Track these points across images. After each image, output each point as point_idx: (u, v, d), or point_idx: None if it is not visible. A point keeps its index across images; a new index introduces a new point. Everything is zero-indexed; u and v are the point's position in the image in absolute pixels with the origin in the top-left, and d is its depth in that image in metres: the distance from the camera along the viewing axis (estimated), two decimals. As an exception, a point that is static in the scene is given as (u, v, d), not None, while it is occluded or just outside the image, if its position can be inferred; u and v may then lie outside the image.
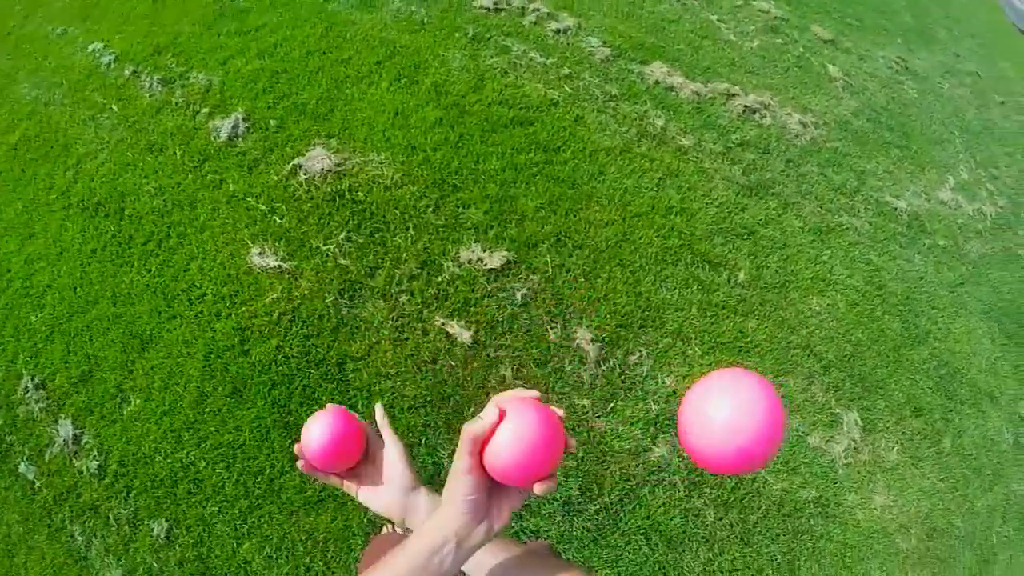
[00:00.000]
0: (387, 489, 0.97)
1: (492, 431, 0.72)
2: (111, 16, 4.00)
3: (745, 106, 3.94)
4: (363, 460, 1.01)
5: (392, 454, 0.99)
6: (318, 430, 0.97)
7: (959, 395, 3.36)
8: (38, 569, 2.55)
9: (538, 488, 0.73)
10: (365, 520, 2.45)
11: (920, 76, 5.10)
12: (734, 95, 3.99)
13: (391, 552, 0.77)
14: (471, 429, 0.72)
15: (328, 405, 1.02)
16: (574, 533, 2.53)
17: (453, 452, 2.18)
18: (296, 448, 0.99)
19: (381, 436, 1.03)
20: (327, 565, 2.38)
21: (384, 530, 2.42)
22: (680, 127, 3.73)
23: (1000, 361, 3.62)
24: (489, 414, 0.72)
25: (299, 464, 0.98)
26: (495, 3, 4.06)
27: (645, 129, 3.64)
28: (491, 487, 0.77)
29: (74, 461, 2.63)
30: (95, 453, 2.61)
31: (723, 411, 0.78)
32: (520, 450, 0.72)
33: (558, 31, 4.01)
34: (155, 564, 2.44)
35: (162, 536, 2.46)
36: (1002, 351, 3.66)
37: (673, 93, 3.89)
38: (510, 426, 0.72)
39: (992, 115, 5.26)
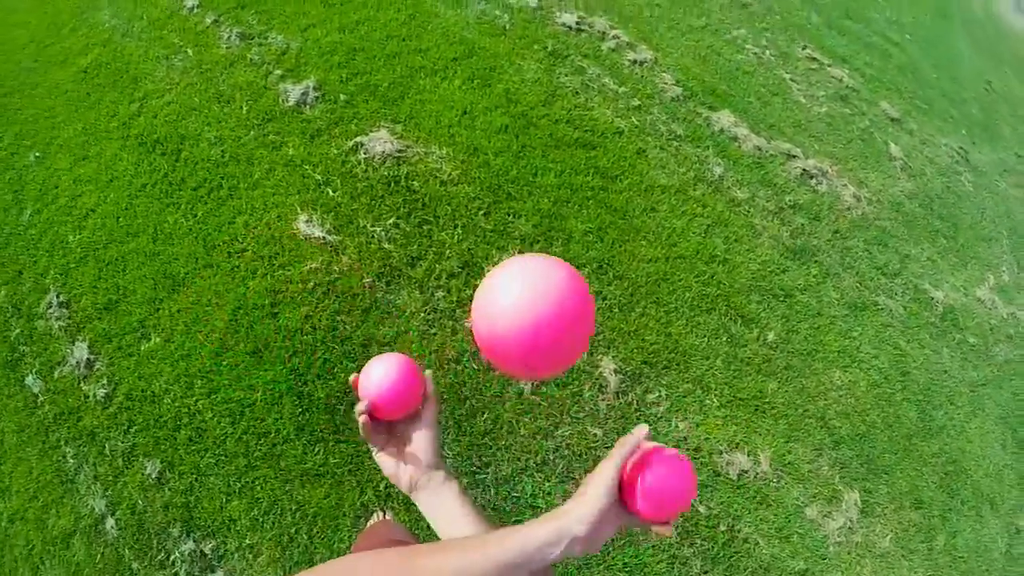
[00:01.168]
0: (407, 466, 0.96)
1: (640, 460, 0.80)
2: (201, -37, 4.05)
3: (803, 169, 3.94)
4: (407, 418, 0.99)
5: (427, 424, 0.98)
6: (391, 371, 0.94)
7: (961, 495, 3.34)
8: (23, 482, 2.58)
9: (658, 529, 0.78)
10: (358, 503, 2.46)
11: (979, 170, 5.08)
12: (794, 156, 3.99)
13: (500, 531, 0.78)
14: (630, 440, 0.82)
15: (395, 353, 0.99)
16: (561, 560, 2.53)
17: (459, 454, 2.19)
18: (352, 380, 0.98)
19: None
20: (311, 539, 2.39)
21: (375, 518, 2.43)
22: (737, 178, 3.74)
23: (1007, 469, 3.60)
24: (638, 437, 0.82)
25: (359, 408, 0.93)
26: (577, 23, 4.09)
27: (703, 174, 3.65)
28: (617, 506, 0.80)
29: (82, 384, 2.66)
30: (105, 381, 2.65)
31: (512, 292, 0.77)
32: (667, 494, 0.76)
33: (635, 62, 4.03)
34: (140, 502, 2.46)
35: (153, 476, 2.48)
36: (1012, 459, 3.64)
37: (736, 143, 3.90)
38: (662, 470, 0.77)
39: (1044, 220, 5.25)
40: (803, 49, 5.05)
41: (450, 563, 0.72)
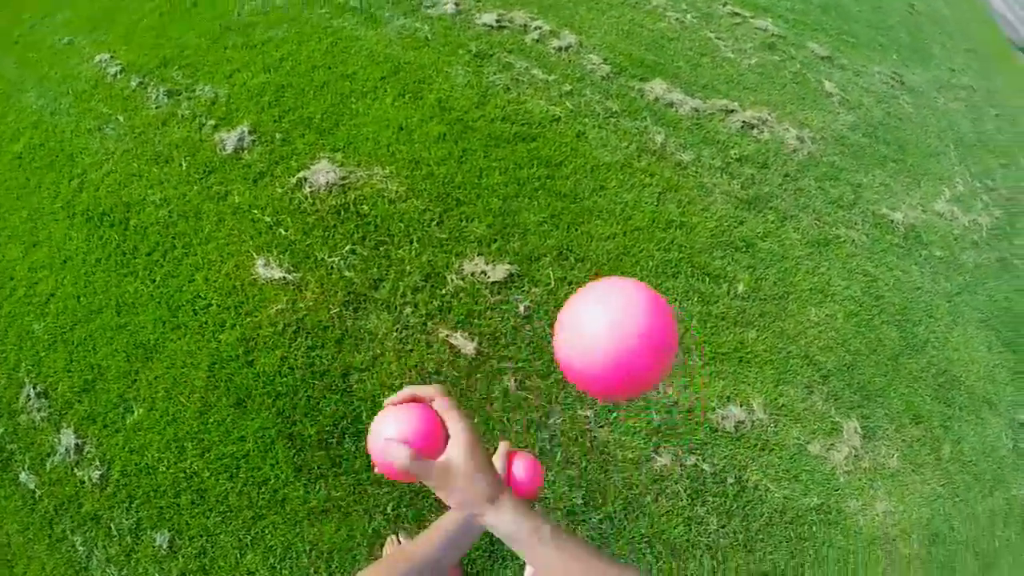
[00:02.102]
0: (470, 487, 0.89)
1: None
2: (118, 27, 4.04)
3: (743, 122, 3.98)
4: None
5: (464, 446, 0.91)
6: (414, 419, 0.91)
7: (958, 402, 3.39)
8: (38, 580, 2.55)
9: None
10: (369, 530, 2.46)
11: (915, 91, 5.16)
12: (732, 111, 4.04)
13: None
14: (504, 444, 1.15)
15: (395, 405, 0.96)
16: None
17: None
18: (396, 439, 0.89)
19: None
20: (331, 575, 2.39)
21: (389, 543, 2.43)
22: (679, 142, 3.78)
23: (998, 368, 3.65)
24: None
25: (402, 455, 0.86)
26: (498, 20, 4.11)
27: (645, 145, 3.69)
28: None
29: (76, 471, 2.63)
30: (97, 463, 2.61)
31: (598, 321, 0.76)
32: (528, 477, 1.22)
33: (560, 48, 4.06)
34: (157, 575, 2.43)
35: (164, 546, 2.45)
36: (999, 358, 3.70)
37: (673, 109, 3.94)
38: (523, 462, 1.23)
39: (987, 127, 5.32)
40: (724, 7, 5.10)
41: (409, 552, 0.85)
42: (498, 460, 1.10)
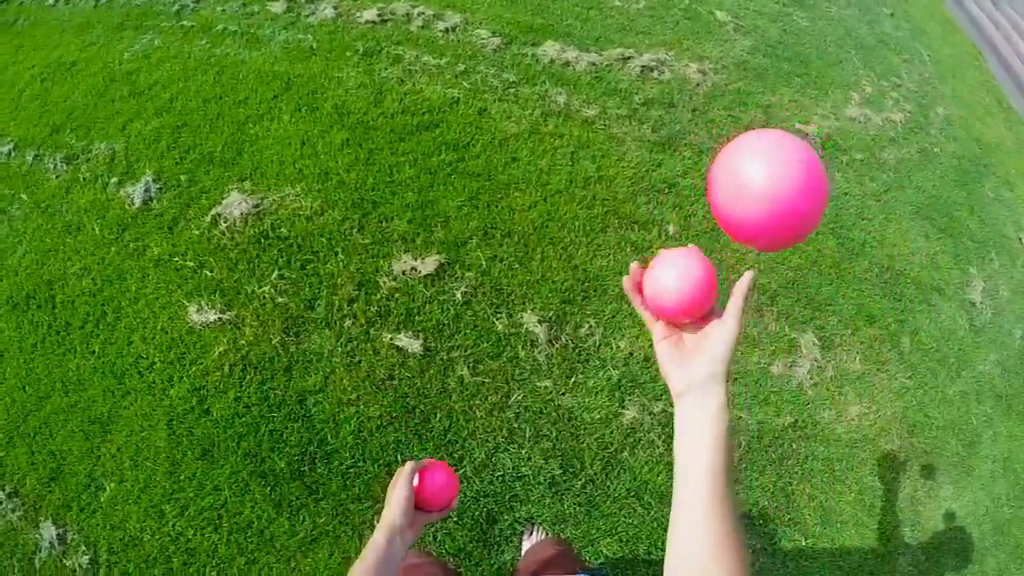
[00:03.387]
0: (694, 356, 0.85)
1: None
2: (1, 105, 3.92)
3: (642, 66, 4.00)
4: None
5: (729, 327, 0.84)
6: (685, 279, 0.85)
7: (907, 295, 3.47)
8: None
9: (436, 516, 1.33)
10: (361, 549, 2.44)
11: (807, 4, 5.22)
12: (629, 58, 4.05)
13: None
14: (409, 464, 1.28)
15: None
16: (567, 510, 2.57)
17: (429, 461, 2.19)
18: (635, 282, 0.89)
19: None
20: (334, 601, 2.39)
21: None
22: (582, 99, 3.78)
23: (939, 254, 3.74)
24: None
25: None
26: (380, 15, 4.06)
27: (549, 108, 3.69)
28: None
29: (64, 561, 2.57)
30: (83, 548, 2.56)
31: (759, 174, 0.75)
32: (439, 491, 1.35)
33: (446, 30, 4.03)
34: (170, 645, 2.42)
35: (168, 613, 2.43)
36: (939, 245, 3.79)
37: (570, 68, 3.94)
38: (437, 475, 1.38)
39: (884, 28, 5.41)
40: (603, -44, 5.11)
41: None
42: (399, 495, 1.21)
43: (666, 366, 0.85)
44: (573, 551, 1.73)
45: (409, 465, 1.26)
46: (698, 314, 0.86)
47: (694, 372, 0.81)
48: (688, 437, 0.80)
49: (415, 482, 1.28)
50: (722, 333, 0.83)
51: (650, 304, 0.88)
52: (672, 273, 0.86)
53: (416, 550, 2.07)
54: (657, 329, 0.88)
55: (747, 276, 0.86)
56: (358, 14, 4.12)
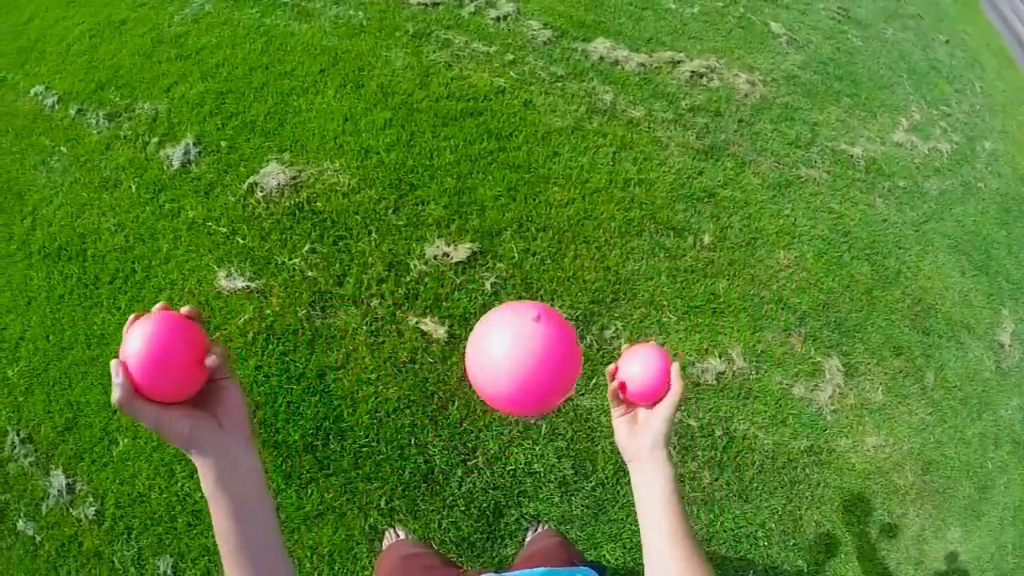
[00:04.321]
0: (639, 430, 1.01)
1: None
2: (49, 58, 3.94)
3: (692, 72, 3.96)
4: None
5: (666, 405, 1.00)
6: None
7: (936, 330, 3.41)
8: (49, 625, 2.53)
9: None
10: (366, 527, 2.45)
11: (863, 24, 5.14)
12: (680, 62, 4.01)
13: None
14: None
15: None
16: (574, 512, 2.55)
17: (443, 447, 2.18)
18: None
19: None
20: (335, 576, 2.39)
21: (387, 537, 2.43)
22: (629, 99, 3.75)
23: (972, 292, 3.68)
24: None
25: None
26: (432, -2, 4.06)
27: (594, 105, 3.66)
28: None
29: (71, 510, 2.60)
30: (91, 499, 2.59)
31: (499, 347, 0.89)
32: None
33: (498, 19, 4.00)
34: (166, 602, 2.43)
35: (169, 572, 2.45)
36: (973, 282, 3.72)
37: (619, 67, 3.90)
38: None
39: (938, 54, 5.33)
40: (662, -41, 5.06)
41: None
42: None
43: (622, 440, 1.03)
44: (571, 543, 1.72)
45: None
46: (657, 398, 1.00)
47: (642, 442, 0.98)
48: (642, 492, 0.97)
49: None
50: (662, 411, 0.99)
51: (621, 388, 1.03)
52: (638, 367, 1.01)
53: (415, 540, 2.07)
54: (616, 407, 1.05)
55: (676, 364, 1.03)
56: (410, -5, 4.11)
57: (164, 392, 0.76)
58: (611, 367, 1.04)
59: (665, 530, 0.91)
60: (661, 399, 1.00)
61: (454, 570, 1.55)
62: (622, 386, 1.01)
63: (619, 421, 1.04)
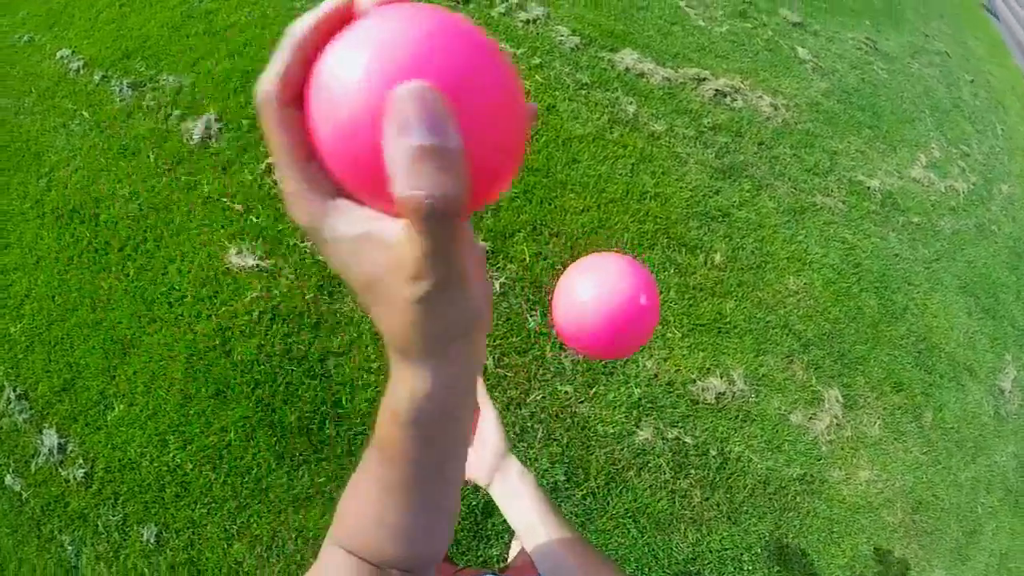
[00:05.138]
0: (480, 452, 0.96)
1: None
2: (78, 22, 3.96)
3: (716, 90, 3.96)
4: None
5: (489, 417, 0.97)
6: None
7: (938, 369, 3.41)
8: (29, 582, 2.53)
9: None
10: (353, 515, 2.45)
11: (889, 56, 5.15)
12: (705, 80, 4.01)
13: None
14: None
15: None
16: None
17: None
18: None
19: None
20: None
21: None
22: (652, 113, 3.75)
23: (977, 334, 3.68)
24: None
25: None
26: (464, -5, 4.06)
27: (617, 116, 3.66)
28: None
29: (60, 470, 2.60)
30: (81, 461, 2.59)
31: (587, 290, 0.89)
32: None
33: (527, 21, 4.01)
34: (146, 570, 2.42)
35: (152, 541, 2.44)
36: (979, 324, 3.72)
37: (644, 79, 3.91)
38: None
39: (962, 93, 5.33)
40: (695, -24, 5.07)
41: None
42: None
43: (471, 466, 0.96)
44: None
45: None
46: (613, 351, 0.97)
47: (490, 462, 0.94)
48: (510, 501, 0.93)
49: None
50: (494, 427, 0.95)
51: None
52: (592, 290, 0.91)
53: None
54: None
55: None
56: (442, -9, 4.12)
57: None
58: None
59: (551, 524, 0.89)
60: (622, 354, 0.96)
61: (450, 566, 1.54)
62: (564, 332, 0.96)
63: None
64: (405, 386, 0.43)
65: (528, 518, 0.91)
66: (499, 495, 0.94)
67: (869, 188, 3.93)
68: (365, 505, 0.54)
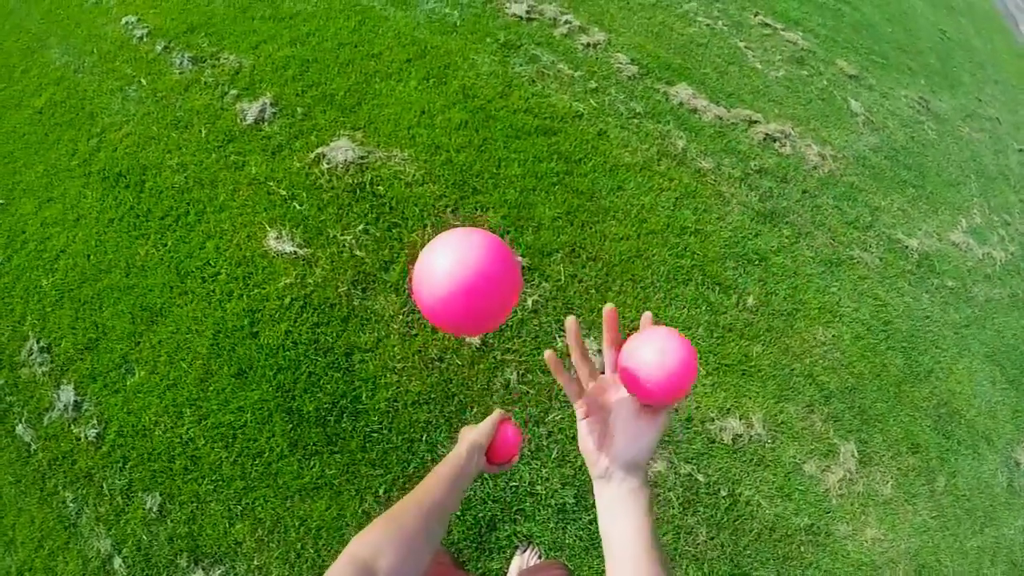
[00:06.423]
0: (609, 443, 0.81)
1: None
2: (145, -8, 4.03)
3: (766, 134, 3.96)
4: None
5: (660, 419, 0.80)
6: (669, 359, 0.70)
7: (956, 435, 3.37)
8: (26, 532, 2.55)
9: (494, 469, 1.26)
10: (359, 511, 2.46)
11: (941, 118, 5.12)
12: (756, 122, 4.01)
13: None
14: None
15: None
16: (567, 540, 2.54)
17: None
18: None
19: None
20: (318, 553, 2.38)
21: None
22: (700, 149, 3.76)
23: (999, 404, 3.64)
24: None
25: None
26: (528, 12, 4.09)
27: (666, 148, 3.67)
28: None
29: (72, 427, 2.64)
30: (94, 421, 2.62)
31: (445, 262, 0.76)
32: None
33: (588, 45, 4.04)
34: (145, 537, 2.44)
35: (155, 510, 2.46)
36: (1002, 395, 3.68)
37: (696, 115, 3.91)
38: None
39: (1009, 161, 5.30)
40: (755, 16, 5.07)
41: (418, 497, 0.98)
42: (488, 424, 1.24)
43: (590, 447, 0.82)
44: None
45: (499, 412, 1.29)
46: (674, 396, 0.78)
47: (620, 455, 0.79)
48: (612, 513, 0.79)
49: None
50: (655, 426, 0.80)
51: (627, 378, 0.79)
52: (654, 353, 0.76)
53: None
54: (580, 407, 0.84)
55: None
56: (507, 5, 4.15)
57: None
58: (572, 338, 0.80)
59: (643, 564, 0.73)
60: (678, 399, 0.76)
61: (463, 574, 1.54)
62: (628, 376, 0.76)
63: (584, 425, 0.82)
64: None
65: (621, 526, 0.78)
66: (604, 499, 0.81)
67: (907, 247, 3.91)
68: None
